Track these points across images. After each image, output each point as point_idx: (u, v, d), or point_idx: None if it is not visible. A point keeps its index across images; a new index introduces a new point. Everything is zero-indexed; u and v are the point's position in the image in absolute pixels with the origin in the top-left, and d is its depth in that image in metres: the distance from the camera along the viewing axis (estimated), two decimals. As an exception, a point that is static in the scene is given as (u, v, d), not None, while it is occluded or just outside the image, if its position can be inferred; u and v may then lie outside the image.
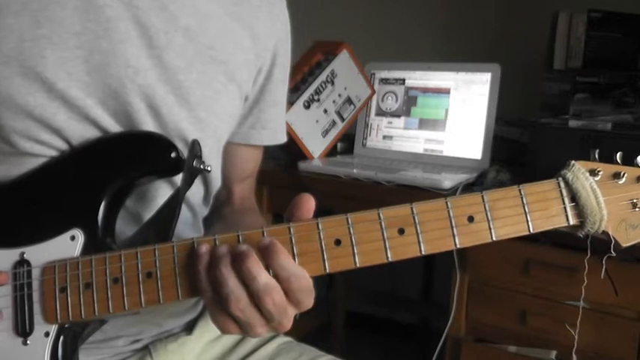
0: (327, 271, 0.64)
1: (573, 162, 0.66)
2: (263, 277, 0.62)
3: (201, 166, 0.75)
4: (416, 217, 0.64)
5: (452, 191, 1.46)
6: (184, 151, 0.76)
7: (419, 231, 0.64)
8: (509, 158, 1.70)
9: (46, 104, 0.73)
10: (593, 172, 0.65)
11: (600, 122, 1.48)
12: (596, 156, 0.67)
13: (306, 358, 0.94)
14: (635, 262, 1.30)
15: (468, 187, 1.50)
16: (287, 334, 0.93)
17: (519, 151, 1.70)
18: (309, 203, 0.66)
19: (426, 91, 1.81)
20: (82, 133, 0.76)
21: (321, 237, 0.64)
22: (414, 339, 2.39)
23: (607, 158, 0.67)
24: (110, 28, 0.74)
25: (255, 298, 0.62)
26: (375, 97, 1.87)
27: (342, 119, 1.80)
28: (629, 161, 0.67)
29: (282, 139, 1.01)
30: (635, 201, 0.66)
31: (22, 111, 0.73)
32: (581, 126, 1.47)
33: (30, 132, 0.74)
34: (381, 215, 0.64)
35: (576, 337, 1.31)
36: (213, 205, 0.98)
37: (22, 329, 0.70)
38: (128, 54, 0.75)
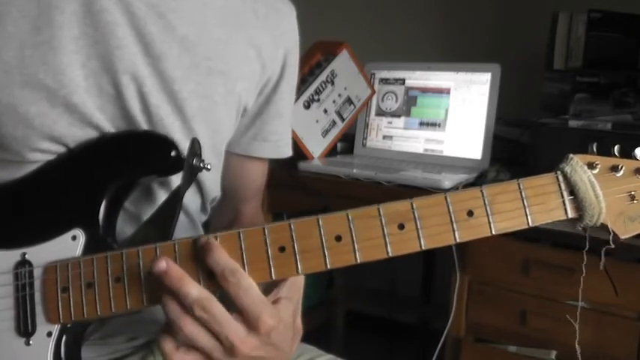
0: (328, 267, 0.64)
1: (571, 155, 0.65)
2: (193, 290, 0.62)
3: (201, 165, 0.74)
4: (415, 213, 0.64)
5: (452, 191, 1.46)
6: None
7: (419, 226, 0.64)
8: (509, 158, 1.69)
9: (47, 112, 0.72)
10: (591, 165, 0.65)
11: (600, 122, 1.48)
12: (594, 149, 0.66)
13: (306, 358, 0.93)
14: (635, 262, 1.30)
15: (468, 187, 1.49)
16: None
17: (519, 151, 1.70)
18: None
19: (426, 91, 1.81)
20: (82, 138, 0.75)
21: (322, 233, 0.64)
22: (414, 339, 2.39)
23: (605, 152, 0.67)
24: (108, 33, 0.73)
25: (190, 312, 0.61)
26: (375, 97, 1.87)
27: (342, 119, 1.80)
28: (627, 154, 0.66)
29: (286, 152, 0.98)
30: (633, 193, 0.65)
31: (22, 120, 0.72)
32: (581, 126, 1.47)
33: (30, 141, 0.73)
34: (380, 211, 0.64)
35: (576, 337, 1.31)
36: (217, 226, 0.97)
37: (25, 329, 0.70)
38: (125, 60, 0.74)
